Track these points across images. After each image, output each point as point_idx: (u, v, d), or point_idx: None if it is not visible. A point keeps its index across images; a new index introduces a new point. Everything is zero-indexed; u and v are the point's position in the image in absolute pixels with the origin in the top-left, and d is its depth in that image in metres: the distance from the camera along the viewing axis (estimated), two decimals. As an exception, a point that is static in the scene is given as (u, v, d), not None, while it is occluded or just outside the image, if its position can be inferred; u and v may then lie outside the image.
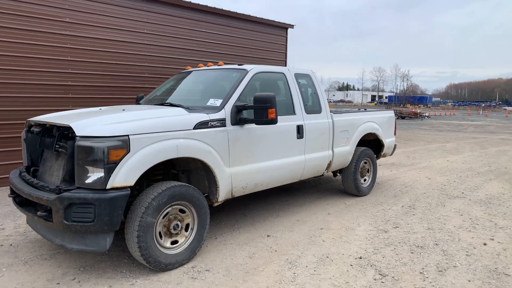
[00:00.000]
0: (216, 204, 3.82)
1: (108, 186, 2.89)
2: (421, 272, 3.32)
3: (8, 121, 6.27)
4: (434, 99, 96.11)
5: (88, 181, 2.90)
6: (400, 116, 30.87)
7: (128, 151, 2.97)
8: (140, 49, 7.81)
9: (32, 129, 3.71)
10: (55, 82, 6.71)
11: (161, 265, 3.21)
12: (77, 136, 2.95)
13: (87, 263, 3.47)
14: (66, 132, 3.22)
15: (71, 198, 2.85)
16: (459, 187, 6.57)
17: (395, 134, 6.68)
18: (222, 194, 3.76)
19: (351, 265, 3.46)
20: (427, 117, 33.36)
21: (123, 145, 2.95)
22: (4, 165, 6.24)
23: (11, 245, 3.88)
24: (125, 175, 2.95)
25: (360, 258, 3.61)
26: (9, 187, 3.65)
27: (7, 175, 5.67)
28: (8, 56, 6.19)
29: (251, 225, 4.51)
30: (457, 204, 5.48)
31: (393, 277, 3.23)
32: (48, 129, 3.53)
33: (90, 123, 3.08)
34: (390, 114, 6.59)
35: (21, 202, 3.42)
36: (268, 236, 4.17)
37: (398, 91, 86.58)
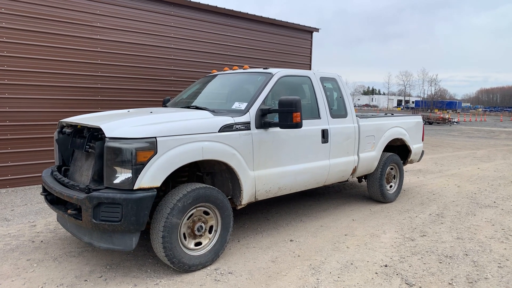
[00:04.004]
0: (239, 207, 3.83)
1: (135, 187, 2.95)
2: (450, 283, 3.21)
3: (40, 122, 6.52)
4: (463, 105, 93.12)
5: (116, 181, 2.97)
6: (427, 121, 30.05)
7: (155, 152, 3.03)
8: (167, 53, 7.96)
9: (64, 129, 3.84)
10: (85, 84, 6.94)
11: (184, 266, 3.25)
12: (106, 137, 3.03)
13: (113, 261, 3.55)
14: (96, 133, 3.31)
15: (99, 197, 2.93)
16: (490, 196, 6.32)
17: (423, 140, 6.51)
18: (246, 197, 3.76)
19: (376, 273, 3.38)
20: (456, 122, 32.32)
21: (151, 146, 3.01)
22: (37, 164, 6.48)
23: (42, 241, 4.02)
24: (152, 176, 3.00)
25: (386, 266, 3.53)
26: (41, 185, 3.79)
27: (40, 174, 5.90)
28: (42, 59, 6.46)
29: (274, 229, 4.49)
30: (488, 214, 5.27)
31: (420, 287, 3.13)
32: (79, 130, 3.65)
33: (119, 125, 3.16)
34: (417, 119, 6.43)
35: (52, 200, 3.55)
36: (291, 240, 4.14)
37: (425, 96, 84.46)
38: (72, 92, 6.81)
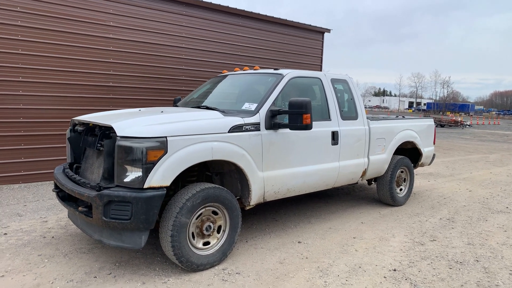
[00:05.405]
0: (248, 208, 3.84)
1: (145, 186, 2.98)
2: (460, 289, 3.17)
3: (53, 119, 6.61)
4: (476, 107, 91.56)
5: (127, 180, 3.00)
6: (439, 124, 29.69)
7: (166, 152, 3.05)
8: (178, 52, 8.01)
9: (76, 127, 3.89)
10: (97, 83, 7.02)
11: (192, 265, 3.26)
12: (117, 136, 3.06)
13: (122, 259, 3.59)
14: (108, 132, 3.34)
15: (110, 195, 2.96)
16: (503, 201, 6.22)
17: (434, 143, 6.43)
18: (255, 198, 3.77)
19: (384, 277, 3.35)
20: (469, 126, 31.87)
21: (161, 146, 3.03)
22: (49, 160, 6.58)
23: (53, 237, 4.08)
24: (161, 175, 3.03)
25: (395, 270, 3.50)
26: (53, 182, 3.85)
27: (52, 170, 5.99)
28: (55, 57, 6.55)
29: (282, 230, 4.49)
30: (500, 219, 5.18)
31: (429, 293, 3.10)
32: (91, 128, 3.69)
33: (130, 124, 3.19)
34: (429, 122, 6.36)
35: (64, 197, 3.60)
36: (299, 242, 4.13)
37: (437, 98, 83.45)
38: (84, 90, 6.90)
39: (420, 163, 6.17)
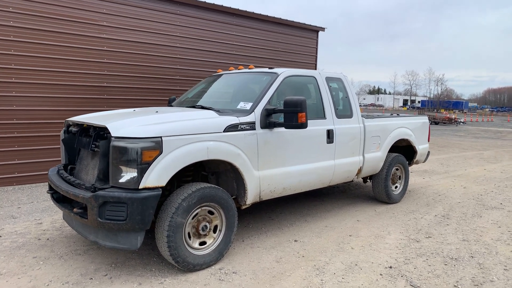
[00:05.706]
0: (244, 207, 3.84)
1: (140, 186, 2.97)
2: (455, 286, 3.19)
3: (47, 120, 6.57)
4: (470, 105, 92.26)
5: (122, 180, 2.98)
6: (433, 121, 29.86)
7: (161, 152, 3.04)
8: (172, 52, 7.98)
9: (70, 128, 3.86)
10: (91, 83, 6.98)
11: (189, 265, 3.26)
12: (112, 136, 3.04)
13: (118, 260, 3.57)
14: (102, 133, 3.33)
15: (105, 196, 2.94)
16: (497, 197, 6.27)
17: (428, 141, 6.47)
18: (250, 197, 3.77)
19: (380, 275, 3.37)
20: (463, 123, 32.08)
21: (156, 146, 3.02)
22: (43, 162, 6.54)
23: (48, 239, 4.06)
24: (157, 175, 3.01)
25: (390, 267, 3.52)
26: (47, 183, 3.82)
27: (46, 172, 5.95)
28: (48, 58, 6.50)
29: (279, 229, 4.49)
30: (494, 215, 5.23)
31: (425, 289, 3.12)
32: (85, 129, 3.66)
33: (125, 124, 3.18)
34: (423, 119, 6.39)
35: (58, 198, 3.58)
36: (295, 241, 4.13)
37: (431, 95, 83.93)
38: (78, 91, 6.85)
39: (415, 160, 6.21)
